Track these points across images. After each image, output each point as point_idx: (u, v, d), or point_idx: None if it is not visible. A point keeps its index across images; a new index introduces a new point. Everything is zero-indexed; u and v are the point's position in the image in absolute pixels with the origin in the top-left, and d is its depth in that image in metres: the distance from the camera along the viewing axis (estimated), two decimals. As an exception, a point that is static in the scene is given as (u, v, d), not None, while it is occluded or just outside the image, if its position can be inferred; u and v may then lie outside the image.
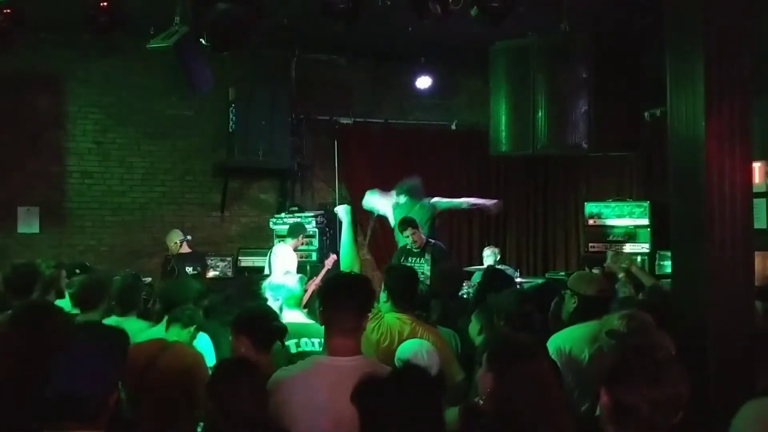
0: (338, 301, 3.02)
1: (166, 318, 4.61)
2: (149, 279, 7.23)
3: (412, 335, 3.95)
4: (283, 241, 8.49)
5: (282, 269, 7.49)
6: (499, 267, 8.37)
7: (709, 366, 3.99)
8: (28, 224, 9.19)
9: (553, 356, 4.10)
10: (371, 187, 10.54)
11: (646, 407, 2.13)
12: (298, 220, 9.41)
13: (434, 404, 2.33)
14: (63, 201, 9.40)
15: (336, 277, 3.44)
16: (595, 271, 6.72)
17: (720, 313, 4.05)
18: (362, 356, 3.04)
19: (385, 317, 4.10)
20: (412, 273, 4.75)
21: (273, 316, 3.83)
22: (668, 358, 2.28)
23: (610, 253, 7.20)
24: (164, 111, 9.63)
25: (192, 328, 4.31)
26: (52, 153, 9.33)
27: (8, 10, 6.51)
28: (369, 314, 3.11)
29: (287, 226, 9.04)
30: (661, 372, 2.18)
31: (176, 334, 4.27)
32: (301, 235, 8.55)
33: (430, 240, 7.82)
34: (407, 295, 4.27)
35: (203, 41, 6.52)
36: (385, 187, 10.56)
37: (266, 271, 7.96)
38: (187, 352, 4.10)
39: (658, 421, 2.16)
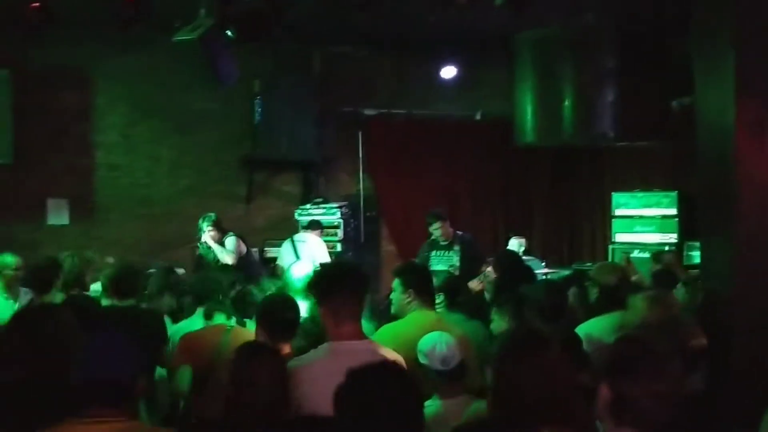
0: (346, 288, 3.10)
1: (201, 310, 4.70)
2: (182, 270, 7.29)
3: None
4: (305, 231, 8.54)
5: (315, 256, 7.61)
6: (524, 258, 8.35)
7: (735, 358, 3.96)
8: (58, 216, 9.30)
9: (582, 344, 4.09)
10: (395, 178, 10.55)
11: (648, 401, 2.09)
12: (323, 211, 9.45)
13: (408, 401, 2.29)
14: (91, 193, 9.49)
15: (335, 266, 3.48)
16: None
17: (748, 304, 4.01)
18: (369, 340, 3.09)
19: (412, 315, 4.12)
20: (426, 269, 4.77)
21: (287, 308, 3.85)
22: (668, 351, 2.24)
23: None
24: (190, 104, 9.67)
25: (234, 320, 4.40)
26: (80, 146, 9.42)
27: (37, 5, 6.58)
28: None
29: (312, 218, 9.10)
30: (664, 365, 2.14)
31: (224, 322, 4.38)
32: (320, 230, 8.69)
33: (458, 232, 7.76)
34: (431, 290, 4.30)
35: (229, 33, 6.56)
36: (409, 178, 10.57)
37: (289, 260, 7.90)
38: (249, 334, 4.17)
39: (658, 415, 2.10)
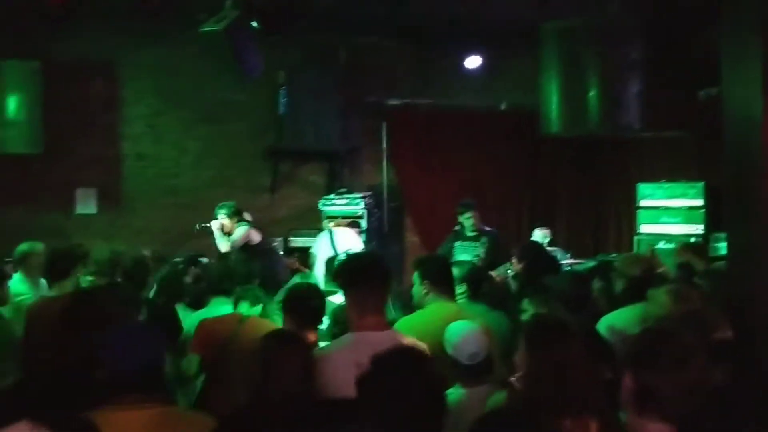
0: (371, 280, 3.11)
1: (216, 300, 4.76)
2: (206, 260, 7.37)
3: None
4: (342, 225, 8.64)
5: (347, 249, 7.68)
6: (549, 249, 8.33)
7: (760, 351, 3.93)
8: (86, 205, 9.44)
9: (605, 336, 4.09)
10: (419, 168, 10.57)
11: (671, 392, 2.10)
12: (347, 201, 9.49)
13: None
14: (119, 183, 9.63)
15: (359, 258, 3.49)
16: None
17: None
18: (392, 330, 3.11)
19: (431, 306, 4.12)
20: (447, 260, 4.77)
21: (312, 297, 3.91)
22: (694, 343, 2.24)
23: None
24: (215, 95, 9.76)
25: (259, 307, 4.45)
26: (107, 136, 9.56)
27: (62, -2, 6.68)
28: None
29: (336, 208, 9.17)
30: (689, 357, 2.14)
31: (245, 311, 4.41)
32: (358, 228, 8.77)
33: (485, 227, 7.77)
34: (448, 281, 4.30)
35: (254, 24, 6.61)
36: (433, 169, 10.58)
37: (326, 250, 7.98)
38: (264, 324, 4.24)
39: (681, 405, 2.12)
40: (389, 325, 3.18)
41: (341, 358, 2.96)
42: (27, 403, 2.56)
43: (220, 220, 7.93)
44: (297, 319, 3.75)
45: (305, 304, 3.82)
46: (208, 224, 7.94)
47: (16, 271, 5.89)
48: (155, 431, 2.39)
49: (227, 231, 7.86)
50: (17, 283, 5.69)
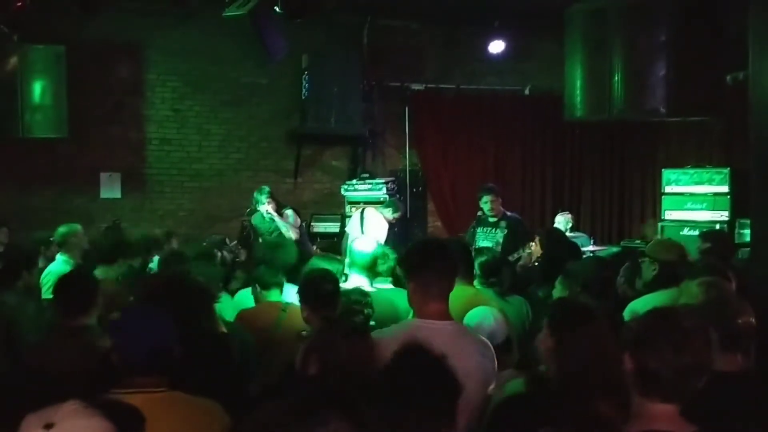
0: (435, 266, 3.06)
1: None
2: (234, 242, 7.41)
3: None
4: (376, 208, 8.53)
5: (374, 234, 7.59)
6: (572, 234, 8.30)
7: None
8: (111, 189, 9.52)
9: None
10: (442, 153, 10.53)
11: (668, 373, 2.10)
12: (369, 186, 9.46)
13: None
14: (143, 167, 9.70)
15: (427, 243, 3.45)
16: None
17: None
18: (454, 321, 3.09)
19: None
20: (466, 245, 4.72)
21: (326, 281, 3.88)
22: (695, 326, 2.23)
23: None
24: (239, 79, 9.79)
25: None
26: (132, 120, 9.62)
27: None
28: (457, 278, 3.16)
29: (358, 193, 9.16)
30: (687, 339, 2.14)
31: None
32: (398, 214, 8.41)
33: (507, 212, 7.71)
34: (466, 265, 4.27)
35: (277, 8, 6.61)
36: (456, 154, 10.54)
37: (355, 232, 7.92)
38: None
39: (680, 387, 2.12)
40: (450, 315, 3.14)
41: (396, 344, 2.96)
42: (50, 384, 2.59)
43: (268, 206, 7.80)
44: (311, 304, 3.75)
45: (318, 289, 3.80)
46: (248, 217, 7.85)
47: (55, 253, 6.02)
48: (161, 415, 2.36)
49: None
50: (61, 264, 5.81)
